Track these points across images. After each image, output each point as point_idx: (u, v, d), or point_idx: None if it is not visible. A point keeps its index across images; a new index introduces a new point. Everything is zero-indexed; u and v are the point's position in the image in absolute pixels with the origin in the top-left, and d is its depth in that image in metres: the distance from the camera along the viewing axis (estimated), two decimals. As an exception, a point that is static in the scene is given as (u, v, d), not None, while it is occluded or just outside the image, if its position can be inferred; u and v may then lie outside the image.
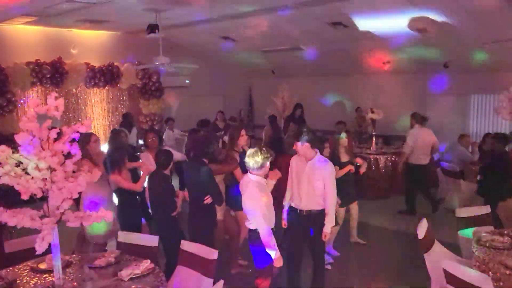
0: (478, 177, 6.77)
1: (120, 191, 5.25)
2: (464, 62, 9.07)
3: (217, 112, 11.02)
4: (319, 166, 4.56)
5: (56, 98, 3.13)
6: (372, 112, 10.10)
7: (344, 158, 6.22)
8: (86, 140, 5.26)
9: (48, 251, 3.08)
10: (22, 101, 9.65)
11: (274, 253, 3.99)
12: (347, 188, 6.13)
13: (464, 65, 9.18)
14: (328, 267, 5.66)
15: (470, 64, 9.05)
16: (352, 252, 6.32)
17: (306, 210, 4.61)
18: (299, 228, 4.65)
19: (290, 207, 4.75)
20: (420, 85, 10.41)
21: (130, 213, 5.24)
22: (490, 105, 9.69)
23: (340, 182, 6.01)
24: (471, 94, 10.00)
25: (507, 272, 3.60)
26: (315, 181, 4.54)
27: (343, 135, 6.32)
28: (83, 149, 5.17)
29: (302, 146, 4.54)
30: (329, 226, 4.56)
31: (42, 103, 3.17)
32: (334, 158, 6.08)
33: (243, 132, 5.68)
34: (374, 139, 9.42)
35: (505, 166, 6.34)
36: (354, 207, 6.47)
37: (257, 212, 3.96)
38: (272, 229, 4.08)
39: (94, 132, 5.73)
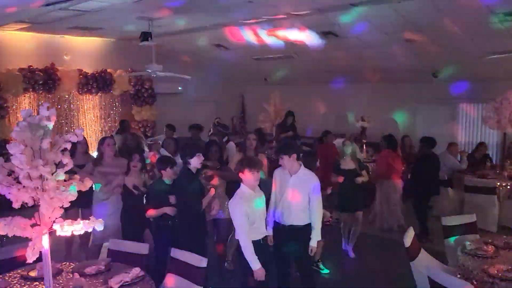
0: (409, 176, 7.42)
1: (126, 197, 5.27)
2: (453, 72, 9.20)
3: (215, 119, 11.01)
4: (304, 179, 4.47)
5: (48, 107, 3.18)
6: (363, 120, 10.25)
7: (349, 165, 6.31)
8: (101, 141, 5.71)
9: (39, 258, 3.11)
10: (14, 107, 9.64)
11: (253, 265, 3.99)
12: (352, 195, 6.28)
13: (453, 74, 9.31)
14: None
15: (458, 73, 9.18)
16: (341, 259, 6.38)
17: (288, 225, 4.48)
18: (284, 244, 4.51)
19: (274, 222, 4.61)
20: (409, 94, 10.53)
21: (133, 220, 5.18)
22: (478, 114, 9.82)
23: (345, 189, 6.22)
24: (460, 103, 10.13)
25: (490, 280, 3.68)
26: (299, 195, 4.43)
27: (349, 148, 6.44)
28: (98, 149, 5.72)
29: (289, 159, 4.45)
30: (315, 241, 4.46)
31: (34, 110, 3.23)
32: (335, 165, 6.35)
33: (250, 136, 6.17)
34: (364, 147, 9.52)
35: (431, 167, 7.08)
36: (359, 215, 6.44)
37: (235, 222, 4.08)
38: (259, 240, 4.14)
39: (107, 137, 6.03)
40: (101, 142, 5.69)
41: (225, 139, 8.19)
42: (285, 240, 4.50)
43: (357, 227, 6.45)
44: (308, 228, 4.48)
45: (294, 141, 5.41)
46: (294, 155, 4.47)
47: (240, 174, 4.14)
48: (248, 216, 4.03)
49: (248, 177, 4.10)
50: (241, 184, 4.17)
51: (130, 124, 10.15)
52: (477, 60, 8.27)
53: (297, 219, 4.47)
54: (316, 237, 4.47)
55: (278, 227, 4.54)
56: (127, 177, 5.18)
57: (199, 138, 8.20)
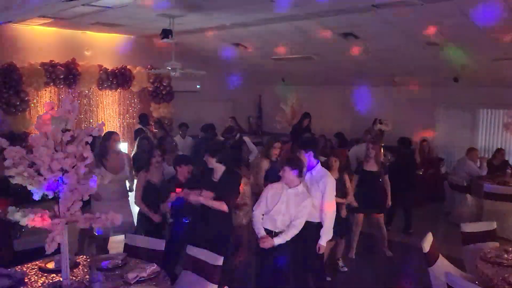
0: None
1: (144, 193, 5.30)
2: (474, 76, 9.06)
3: (229, 118, 11.08)
4: (317, 176, 4.56)
5: (71, 101, 3.21)
6: (381, 123, 10.14)
7: (372, 167, 6.30)
8: (107, 137, 5.51)
9: (57, 251, 3.14)
10: (35, 101, 9.78)
11: (259, 234, 4.31)
12: (371, 198, 6.27)
13: (474, 79, 9.17)
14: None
15: (480, 78, 9.04)
16: (355, 265, 6.32)
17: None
18: (296, 239, 4.49)
19: None
20: (429, 98, 10.40)
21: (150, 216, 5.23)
22: (499, 120, 9.65)
23: (365, 190, 6.24)
24: (481, 108, 9.98)
25: (511, 289, 3.61)
26: (314, 192, 4.52)
27: None
28: (103, 144, 5.45)
29: (306, 155, 4.56)
30: (324, 239, 4.51)
31: (55, 104, 3.26)
32: (358, 167, 6.45)
33: (276, 144, 5.96)
34: (382, 150, 9.40)
35: (408, 165, 7.65)
36: (379, 219, 6.49)
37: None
38: (271, 231, 4.28)
39: (113, 132, 5.89)
40: (107, 137, 5.53)
41: (237, 136, 8.29)
42: (300, 236, 4.47)
43: (380, 231, 6.48)
44: (320, 226, 4.55)
45: (312, 138, 5.43)
46: (311, 152, 4.55)
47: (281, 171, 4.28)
48: (267, 201, 4.27)
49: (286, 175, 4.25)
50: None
51: (150, 118, 10.63)
52: (499, 64, 8.13)
53: (311, 217, 4.51)
54: (326, 235, 4.53)
55: None
56: (147, 173, 5.23)
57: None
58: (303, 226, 4.43)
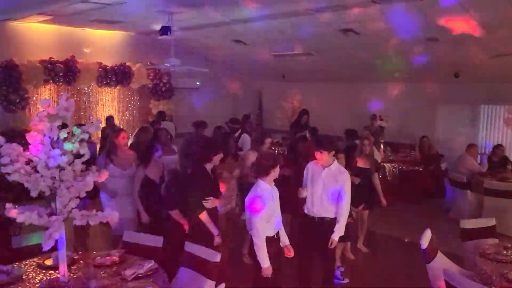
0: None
1: (143, 186, 5.28)
2: (475, 72, 9.03)
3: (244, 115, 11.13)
4: (335, 173, 4.58)
5: (67, 98, 3.19)
6: (381, 119, 10.14)
7: (365, 164, 6.25)
8: (115, 134, 5.58)
9: (54, 247, 3.14)
10: (34, 98, 9.77)
11: (264, 264, 3.96)
12: (362, 194, 6.16)
13: (474, 75, 9.14)
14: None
15: (481, 74, 9.01)
16: (355, 260, 6.31)
17: (318, 217, 4.63)
18: (310, 235, 4.66)
19: (303, 213, 4.75)
20: (430, 94, 10.36)
21: (150, 210, 5.22)
22: (500, 116, 9.63)
23: (358, 187, 6.11)
24: (481, 105, 9.95)
25: (510, 285, 3.59)
26: (330, 188, 4.55)
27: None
28: (112, 142, 5.54)
29: (322, 154, 4.55)
30: (337, 234, 4.56)
31: (54, 101, 3.25)
32: (349, 164, 6.17)
33: (267, 140, 6.32)
34: (382, 146, 9.40)
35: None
36: (365, 214, 6.48)
37: (253, 220, 3.96)
38: (273, 236, 4.11)
39: (122, 129, 5.92)
40: (116, 135, 5.56)
41: (237, 133, 8.31)
42: (314, 231, 4.59)
43: (362, 226, 6.49)
44: (334, 222, 4.59)
45: (330, 137, 5.60)
46: (333, 152, 4.59)
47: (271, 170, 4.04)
48: (267, 213, 3.99)
49: (276, 173, 4.08)
50: (261, 181, 4.06)
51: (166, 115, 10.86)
52: (499, 60, 8.10)
53: (327, 212, 4.60)
54: (339, 230, 4.56)
55: (308, 219, 4.67)
56: (148, 168, 5.22)
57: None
58: (320, 221, 4.59)
